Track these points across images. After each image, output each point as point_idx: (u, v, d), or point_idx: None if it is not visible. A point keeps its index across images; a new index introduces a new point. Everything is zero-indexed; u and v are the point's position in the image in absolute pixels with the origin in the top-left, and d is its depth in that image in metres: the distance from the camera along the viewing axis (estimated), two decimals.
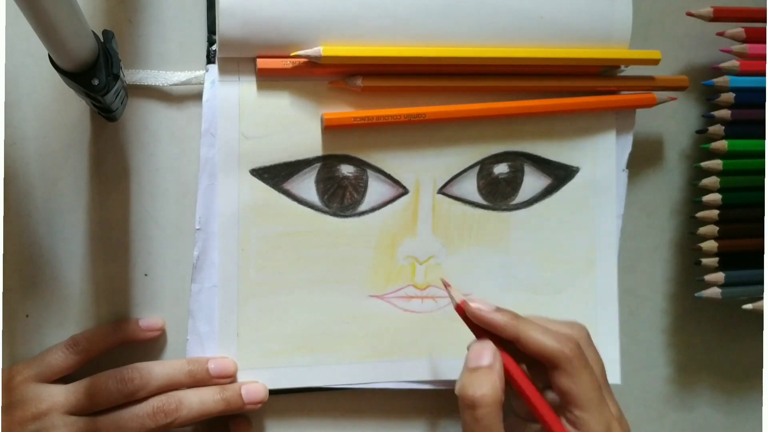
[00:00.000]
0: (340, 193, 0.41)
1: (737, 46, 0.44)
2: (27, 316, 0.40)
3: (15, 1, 0.26)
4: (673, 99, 0.44)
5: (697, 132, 0.47)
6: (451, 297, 0.39)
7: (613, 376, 0.45)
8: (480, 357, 0.37)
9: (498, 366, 0.36)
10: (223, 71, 0.39)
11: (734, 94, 0.44)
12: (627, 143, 0.44)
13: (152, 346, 0.41)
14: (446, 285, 0.39)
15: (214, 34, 0.39)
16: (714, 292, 0.45)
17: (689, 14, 0.44)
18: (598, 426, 0.36)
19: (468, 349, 0.38)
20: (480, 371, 0.36)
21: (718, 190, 0.45)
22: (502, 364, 0.37)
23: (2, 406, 0.37)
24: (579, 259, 0.45)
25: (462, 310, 0.38)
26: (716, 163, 0.44)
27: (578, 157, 0.44)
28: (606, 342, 0.45)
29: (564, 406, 0.37)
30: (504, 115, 0.42)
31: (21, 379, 0.38)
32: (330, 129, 0.40)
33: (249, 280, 0.41)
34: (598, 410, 0.36)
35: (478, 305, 0.37)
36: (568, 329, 0.38)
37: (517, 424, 0.38)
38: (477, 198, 0.43)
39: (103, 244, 0.40)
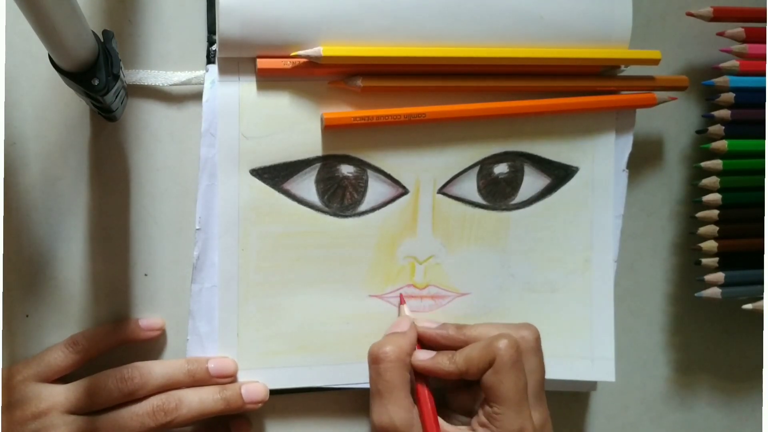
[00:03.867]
0: (340, 193, 0.41)
1: (737, 46, 0.44)
2: (27, 316, 0.40)
3: (15, 1, 0.26)
4: (673, 99, 0.44)
5: (697, 132, 0.47)
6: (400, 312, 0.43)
7: (608, 374, 0.45)
8: (397, 326, 0.41)
9: (411, 334, 0.40)
10: (223, 71, 0.39)
11: (734, 94, 0.44)
12: (627, 143, 0.44)
13: (152, 346, 0.41)
14: (402, 302, 0.43)
15: (214, 34, 0.39)
16: (714, 292, 0.45)
17: (689, 14, 0.44)
18: (512, 425, 0.37)
19: None
20: (390, 335, 0.40)
21: (718, 190, 0.45)
22: (416, 333, 0.40)
23: (2, 406, 0.37)
24: (575, 258, 0.45)
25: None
26: (716, 163, 0.44)
27: (578, 157, 0.44)
28: (601, 340, 0.45)
29: (485, 400, 0.38)
30: (504, 115, 0.42)
31: (21, 379, 0.38)
32: (330, 129, 0.40)
33: (249, 280, 0.41)
34: (515, 411, 0.37)
35: (425, 323, 0.41)
36: (515, 330, 0.39)
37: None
38: (477, 198, 0.43)
39: (103, 244, 0.40)
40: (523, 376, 0.38)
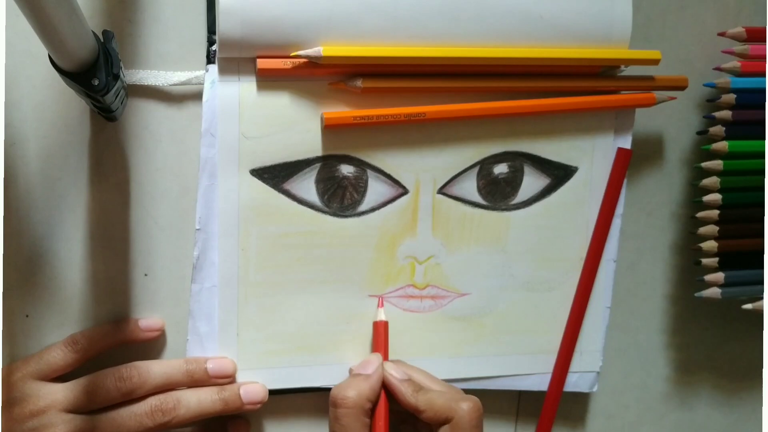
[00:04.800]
0: (340, 193, 0.41)
1: (738, 47, 0.44)
2: (27, 316, 0.40)
3: (15, 1, 0.26)
4: (673, 98, 0.44)
5: (698, 133, 0.47)
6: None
7: (595, 364, 0.46)
8: (364, 367, 0.41)
9: (375, 378, 0.40)
10: (223, 71, 0.39)
11: (735, 95, 0.44)
12: (626, 143, 0.44)
13: (152, 346, 0.42)
14: (380, 305, 0.43)
15: (214, 34, 0.39)
16: (714, 292, 0.45)
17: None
18: None
19: None
20: (356, 377, 0.40)
21: (719, 191, 0.45)
22: (380, 376, 0.40)
23: (1, 403, 0.37)
24: (572, 257, 0.45)
25: (380, 327, 0.42)
26: (717, 164, 0.44)
27: (577, 156, 0.44)
28: (591, 335, 0.46)
29: None
30: (504, 115, 0.42)
31: (20, 376, 0.38)
32: (330, 128, 0.40)
33: (249, 280, 0.41)
34: None
35: (391, 371, 0.41)
36: (466, 398, 0.40)
37: None
38: (477, 198, 0.43)
39: (103, 244, 0.40)
40: None
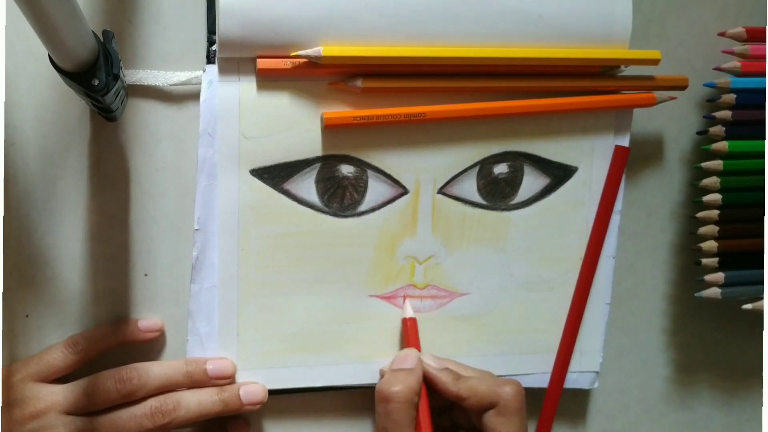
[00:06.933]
0: (340, 193, 0.41)
1: (739, 47, 0.44)
2: (27, 316, 0.40)
3: (15, 1, 0.26)
4: (673, 98, 0.44)
5: (698, 133, 0.47)
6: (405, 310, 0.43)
7: (594, 364, 0.46)
8: (404, 361, 0.41)
9: (418, 371, 0.40)
10: (223, 71, 0.39)
11: (735, 95, 0.44)
12: (626, 143, 0.44)
13: (152, 346, 0.42)
14: (405, 298, 0.43)
15: (214, 34, 0.39)
16: (714, 292, 0.45)
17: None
18: None
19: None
20: (400, 372, 0.40)
21: (719, 191, 0.45)
22: (422, 369, 0.41)
23: (1, 405, 0.37)
24: (572, 257, 0.45)
25: (408, 323, 0.43)
26: (717, 164, 0.44)
27: (577, 156, 0.44)
28: (591, 334, 0.46)
29: None
30: (504, 115, 0.42)
31: (20, 378, 0.38)
32: (330, 128, 0.40)
33: (249, 280, 0.41)
34: None
35: (428, 361, 0.41)
36: (507, 382, 0.41)
37: None
38: (477, 198, 0.43)
39: (103, 244, 0.40)
40: (525, 424, 0.39)
